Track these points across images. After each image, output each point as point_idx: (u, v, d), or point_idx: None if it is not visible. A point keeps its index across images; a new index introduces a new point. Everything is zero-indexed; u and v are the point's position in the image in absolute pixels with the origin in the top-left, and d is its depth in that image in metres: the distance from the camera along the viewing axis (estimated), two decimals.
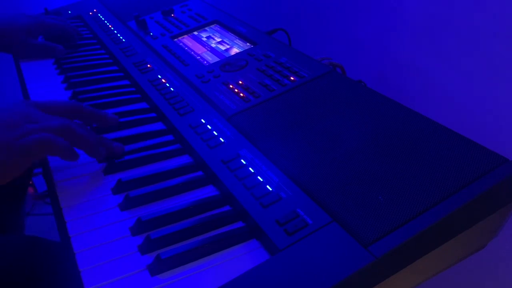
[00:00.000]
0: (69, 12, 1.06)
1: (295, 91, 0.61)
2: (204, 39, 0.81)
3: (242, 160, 0.51)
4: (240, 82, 0.65)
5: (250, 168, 0.50)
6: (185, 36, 0.84)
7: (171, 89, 0.68)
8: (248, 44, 0.76)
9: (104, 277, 0.40)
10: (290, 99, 0.59)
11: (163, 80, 0.71)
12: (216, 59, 0.73)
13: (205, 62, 0.73)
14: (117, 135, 0.60)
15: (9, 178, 0.48)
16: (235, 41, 0.78)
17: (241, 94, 0.62)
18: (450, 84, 0.84)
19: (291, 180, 0.47)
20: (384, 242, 0.38)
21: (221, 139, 0.55)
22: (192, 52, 0.77)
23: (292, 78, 0.63)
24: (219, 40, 0.80)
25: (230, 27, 0.82)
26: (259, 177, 0.48)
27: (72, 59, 0.82)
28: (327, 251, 0.39)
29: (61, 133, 0.49)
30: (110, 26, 0.95)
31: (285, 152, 0.50)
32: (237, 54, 0.73)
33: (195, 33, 0.84)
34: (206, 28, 0.85)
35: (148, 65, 0.76)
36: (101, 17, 1.00)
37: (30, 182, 1.41)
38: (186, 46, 0.80)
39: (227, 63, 0.71)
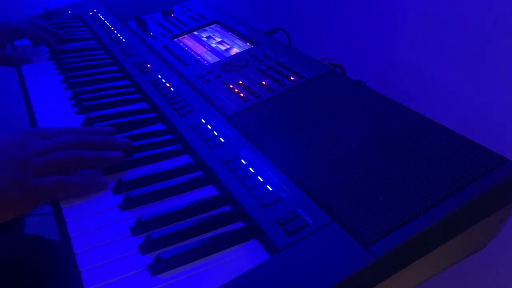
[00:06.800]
0: (69, 12, 1.06)
1: (295, 91, 0.61)
2: (204, 39, 0.81)
3: (242, 160, 0.51)
4: (240, 82, 0.65)
5: (250, 168, 0.50)
6: (185, 36, 0.84)
7: (171, 89, 0.68)
8: (248, 44, 0.76)
9: (104, 277, 0.40)
10: (290, 99, 0.59)
11: (163, 80, 0.71)
12: (216, 59, 0.73)
13: (205, 62, 0.73)
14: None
15: (19, 215, 0.46)
16: (235, 41, 0.78)
17: (241, 94, 0.62)
18: (450, 84, 0.84)
19: (291, 180, 0.47)
20: (384, 242, 0.38)
21: (221, 139, 0.55)
22: (192, 52, 0.77)
23: (292, 78, 0.63)
24: (219, 40, 0.80)
25: (230, 27, 0.82)
26: (259, 177, 0.48)
27: (72, 59, 0.82)
28: (327, 251, 0.39)
29: (73, 164, 0.49)
30: (110, 26, 0.95)
31: (285, 152, 0.50)
32: (237, 54, 0.73)
33: (195, 33, 0.84)
34: (206, 28, 0.85)
35: (148, 65, 0.76)
36: (101, 17, 1.00)
37: None
38: (186, 46, 0.80)
39: (227, 63, 0.71)
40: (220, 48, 0.77)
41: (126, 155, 0.54)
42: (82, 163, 0.49)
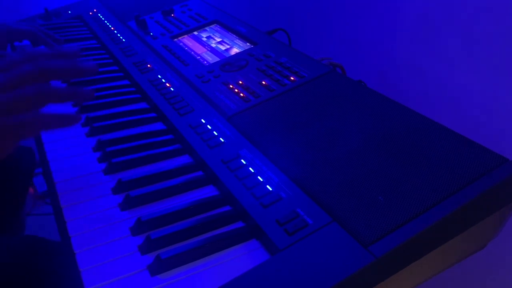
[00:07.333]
0: (69, 12, 1.06)
1: (295, 91, 0.61)
2: (204, 39, 0.81)
3: (242, 160, 0.51)
4: (240, 82, 0.65)
5: (250, 168, 0.50)
6: (185, 36, 0.84)
7: (171, 89, 0.68)
8: (248, 44, 0.76)
9: (104, 277, 0.40)
10: (290, 99, 0.59)
11: (163, 80, 0.71)
12: (216, 59, 0.73)
13: (205, 62, 0.73)
14: (117, 135, 0.60)
15: None
16: (235, 41, 0.78)
17: (241, 94, 0.62)
18: (450, 84, 0.84)
19: (291, 180, 0.47)
20: (384, 242, 0.38)
21: (221, 139, 0.55)
22: (192, 52, 0.77)
23: (292, 78, 0.63)
24: (219, 40, 0.80)
25: (230, 27, 0.82)
26: (259, 177, 0.48)
27: None
28: (327, 251, 0.39)
29: (41, 100, 0.44)
30: (110, 26, 0.95)
31: (285, 152, 0.50)
32: (237, 54, 0.73)
33: (195, 33, 0.84)
34: (206, 28, 0.85)
35: (148, 65, 0.76)
36: (101, 17, 1.00)
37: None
38: (186, 46, 0.80)
39: (227, 63, 0.71)
40: (220, 48, 0.77)
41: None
42: (52, 98, 0.45)
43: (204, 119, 0.60)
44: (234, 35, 0.80)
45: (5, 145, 0.44)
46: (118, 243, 0.44)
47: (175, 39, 0.83)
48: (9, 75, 0.44)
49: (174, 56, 0.76)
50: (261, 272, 0.38)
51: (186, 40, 0.82)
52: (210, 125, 0.58)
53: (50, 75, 0.47)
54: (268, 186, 0.47)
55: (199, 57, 0.75)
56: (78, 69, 0.48)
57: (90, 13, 1.03)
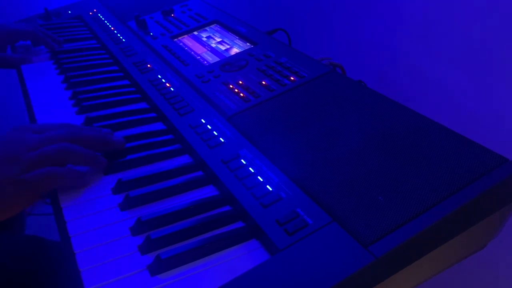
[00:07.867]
0: (69, 12, 1.06)
1: (295, 91, 0.61)
2: (204, 39, 0.81)
3: (242, 160, 0.51)
4: (240, 82, 0.65)
5: (250, 168, 0.50)
6: (185, 36, 0.84)
7: (171, 89, 0.68)
8: (248, 44, 0.76)
9: (104, 277, 0.40)
10: (290, 99, 0.59)
11: (163, 80, 0.71)
12: (216, 59, 0.73)
13: (205, 62, 0.73)
14: (117, 135, 0.60)
15: (17, 212, 0.47)
16: (235, 41, 0.78)
17: (241, 94, 0.62)
18: (450, 84, 0.84)
19: (291, 180, 0.47)
20: (384, 242, 0.38)
21: (221, 139, 0.55)
22: (192, 52, 0.77)
23: (292, 78, 0.63)
24: (219, 40, 0.80)
25: (230, 27, 0.82)
26: (259, 177, 0.48)
27: (72, 59, 0.82)
28: (327, 251, 0.39)
29: (62, 157, 0.49)
30: (110, 26, 0.95)
31: (285, 152, 0.50)
32: (237, 54, 0.73)
33: (195, 33, 0.84)
34: (206, 28, 0.85)
35: (148, 65, 0.76)
36: (101, 17, 1.00)
37: None
38: (186, 46, 0.80)
39: (227, 63, 0.71)
40: (220, 48, 0.77)
41: (121, 154, 0.54)
42: (72, 156, 0.49)
43: (204, 119, 0.60)
44: (234, 35, 0.80)
45: (24, 200, 0.46)
46: (118, 243, 0.44)
47: (175, 39, 0.83)
48: (40, 138, 0.49)
49: (174, 56, 0.76)
50: (261, 272, 0.38)
51: (186, 40, 0.82)
52: (210, 125, 0.58)
53: (77, 141, 0.51)
54: (268, 186, 0.47)
55: (199, 57, 0.75)
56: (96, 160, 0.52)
57: (90, 13, 1.03)
